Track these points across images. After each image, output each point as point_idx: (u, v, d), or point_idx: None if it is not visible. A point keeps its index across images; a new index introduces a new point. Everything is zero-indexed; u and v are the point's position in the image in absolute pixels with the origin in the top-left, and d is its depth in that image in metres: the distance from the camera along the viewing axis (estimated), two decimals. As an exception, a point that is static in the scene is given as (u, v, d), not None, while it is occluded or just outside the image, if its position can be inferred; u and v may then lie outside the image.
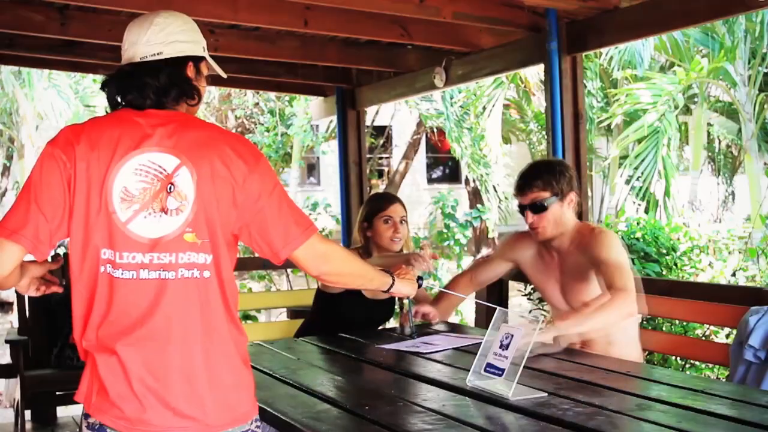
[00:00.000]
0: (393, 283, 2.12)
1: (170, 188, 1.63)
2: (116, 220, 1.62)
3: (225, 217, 1.66)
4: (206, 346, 1.64)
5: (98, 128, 1.68)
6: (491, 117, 10.91)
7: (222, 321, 1.67)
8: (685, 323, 4.48)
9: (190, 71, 1.78)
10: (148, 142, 1.65)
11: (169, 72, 1.73)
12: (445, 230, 8.21)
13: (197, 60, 1.81)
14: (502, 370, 2.10)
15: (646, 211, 8.44)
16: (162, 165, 1.64)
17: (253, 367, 1.77)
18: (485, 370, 2.16)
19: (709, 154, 15.97)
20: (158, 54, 1.74)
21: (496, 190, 11.22)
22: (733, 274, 5.42)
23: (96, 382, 1.65)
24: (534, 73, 10.78)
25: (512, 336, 2.10)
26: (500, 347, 2.13)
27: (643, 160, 8.55)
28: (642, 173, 8.53)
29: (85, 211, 1.63)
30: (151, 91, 1.71)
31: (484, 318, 4.71)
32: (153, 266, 1.62)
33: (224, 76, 1.94)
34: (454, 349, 2.78)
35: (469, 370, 2.24)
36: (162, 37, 1.74)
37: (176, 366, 1.62)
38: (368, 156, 12.04)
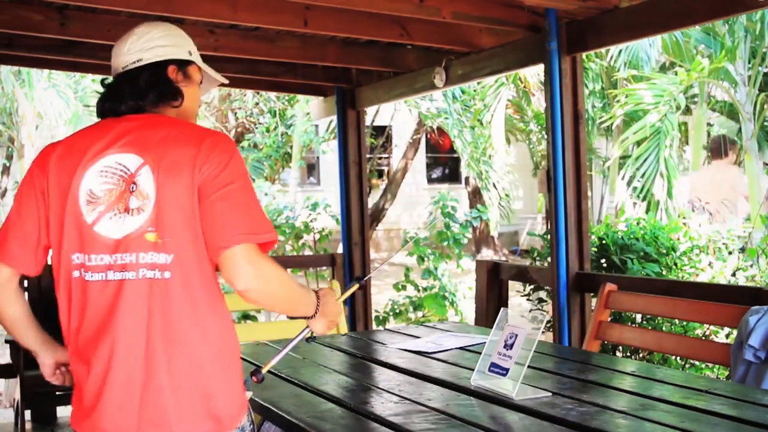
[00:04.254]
0: (317, 310, 1.80)
1: (132, 188, 1.62)
2: (83, 223, 1.63)
3: (188, 215, 1.60)
4: (170, 351, 1.60)
5: (74, 138, 1.73)
6: (494, 118, 10.93)
7: (188, 325, 1.61)
8: (685, 323, 4.49)
9: (172, 73, 1.79)
10: (116, 144, 1.66)
11: (147, 75, 1.75)
12: (445, 230, 8.19)
13: (182, 63, 1.81)
14: (507, 370, 2.10)
15: (647, 212, 8.45)
16: (126, 165, 1.64)
17: (256, 365, 1.76)
18: (489, 370, 2.16)
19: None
20: (138, 61, 1.76)
21: (496, 187, 11.21)
22: (733, 274, 5.42)
23: (76, 391, 1.67)
24: (534, 73, 10.79)
25: (516, 336, 2.10)
26: (504, 347, 2.13)
27: (644, 161, 8.54)
28: (644, 174, 8.53)
29: (59, 218, 1.66)
30: (127, 97, 1.73)
31: (484, 318, 4.72)
32: (117, 267, 1.61)
33: (225, 81, 1.95)
34: (458, 348, 2.78)
35: (473, 370, 2.24)
36: (140, 45, 1.77)
37: (139, 373, 1.59)
38: (368, 156, 12.04)
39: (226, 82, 1.97)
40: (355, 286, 2.05)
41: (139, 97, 1.73)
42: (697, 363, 4.57)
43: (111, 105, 1.75)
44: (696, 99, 11.16)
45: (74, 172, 1.65)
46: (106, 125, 1.72)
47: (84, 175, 1.64)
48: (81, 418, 1.65)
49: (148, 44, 1.77)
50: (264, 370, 1.84)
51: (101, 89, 1.82)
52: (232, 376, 1.67)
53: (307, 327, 1.85)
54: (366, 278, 2.13)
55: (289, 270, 8.76)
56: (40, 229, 1.68)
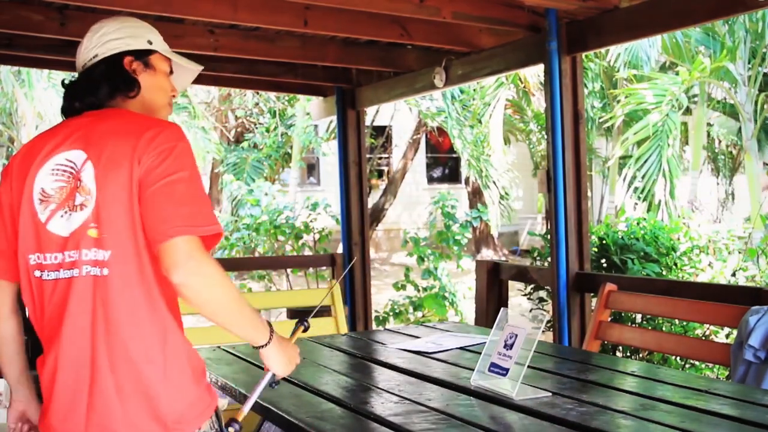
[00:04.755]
0: (270, 339, 1.70)
1: (78, 184, 1.61)
2: (38, 223, 1.63)
3: (127, 209, 1.57)
4: (111, 351, 1.57)
5: (32, 141, 1.73)
6: (493, 119, 10.94)
7: (126, 323, 1.57)
8: (685, 323, 4.49)
9: (128, 64, 1.77)
10: (67, 141, 1.66)
11: (102, 70, 1.75)
12: (445, 230, 8.20)
13: (140, 53, 1.79)
14: (507, 370, 2.10)
15: (648, 212, 8.46)
16: (74, 161, 1.63)
17: (258, 367, 1.75)
18: (489, 370, 2.16)
19: (709, 154, 15.99)
20: (94, 57, 1.76)
21: (496, 185, 11.22)
22: (733, 274, 5.43)
23: (44, 393, 1.66)
24: (534, 74, 10.80)
25: (516, 336, 2.10)
26: (504, 347, 2.13)
27: (646, 161, 8.55)
28: (645, 174, 8.54)
29: (19, 219, 1.66)
30: (83, 94, 1.73)
31: (484, 318, 4.72)
32: (66, 265, 1.60)
33: (200, 67, 1.92)
34: (458, 348, 2.78)
35: (473, 370, 2.24)
36: (95, 41, 1.77)
37: (86, 374, 1.57)
38: (368, 156, 12.04)
39: (201, 67, 1.93)
40: (301, 329, 2.00)
41: (93, 93, 1.73)
42: (697, 363, 4.57)
43: (67, 104, 1.75)
44: (696, 99, 11.17)
45: (28, 173, 1.66)
46: (62, 124, 1.73)
47: (37, 174, 1.65)
48: (41, 416, 1.67)
49: (102, 39, 1.77)
50: (240, 418, 1.75)
51: None
52: (176, 378, 1.61)
53: (268, 372, 1.79)
54: (309, 317, 2.05)
55: (289, 270, 8.77)
56: (8, 235, 1.68)
